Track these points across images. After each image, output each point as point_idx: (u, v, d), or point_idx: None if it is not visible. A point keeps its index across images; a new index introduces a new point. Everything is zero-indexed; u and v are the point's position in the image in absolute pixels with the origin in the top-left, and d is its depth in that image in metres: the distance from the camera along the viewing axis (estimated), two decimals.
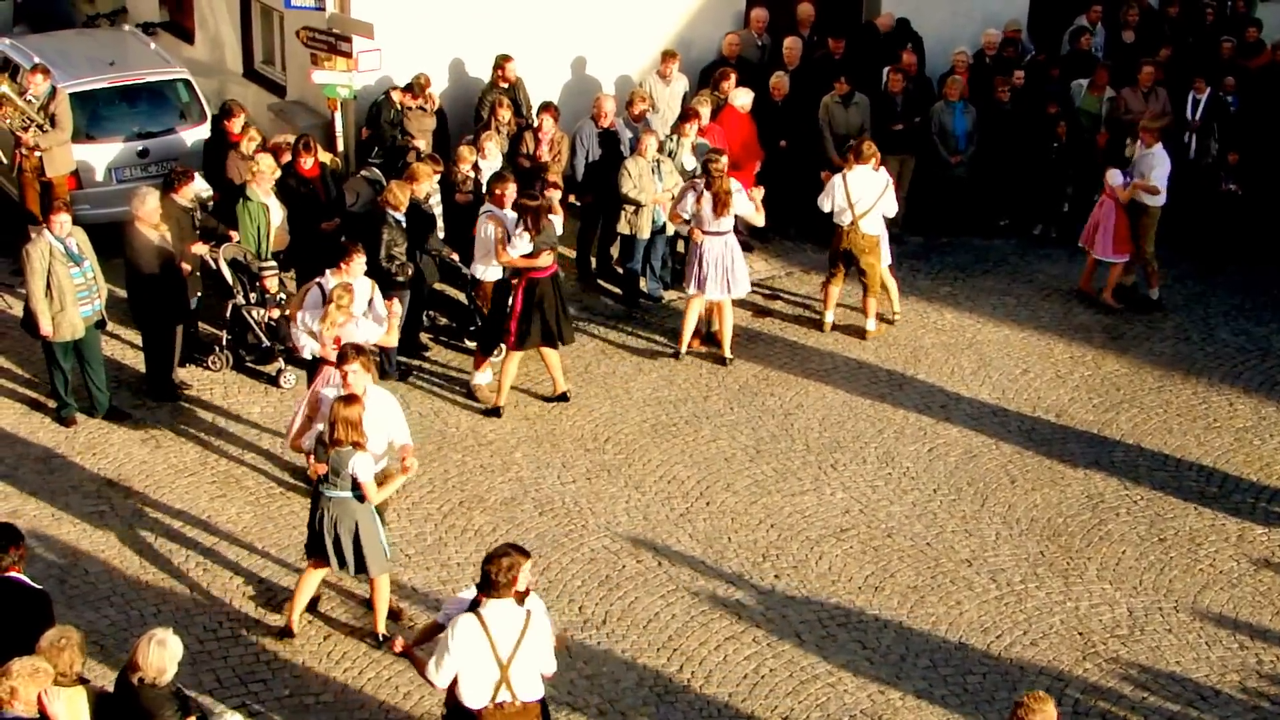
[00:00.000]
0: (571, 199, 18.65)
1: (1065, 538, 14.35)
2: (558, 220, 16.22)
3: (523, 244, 15.46)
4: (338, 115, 18.44)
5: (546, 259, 15.60)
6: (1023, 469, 15.40)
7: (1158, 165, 18.18)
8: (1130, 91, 20.55)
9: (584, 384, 16.59)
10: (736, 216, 16.68)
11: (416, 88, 18.44)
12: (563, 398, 16.13)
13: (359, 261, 14.34)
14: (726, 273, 16.70)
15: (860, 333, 17.78)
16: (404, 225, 16.04)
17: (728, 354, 17.07)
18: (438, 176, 17.07)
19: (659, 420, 16.05)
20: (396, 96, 18.39)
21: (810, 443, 15.74)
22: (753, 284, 17.86)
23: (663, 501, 14.68)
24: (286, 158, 17.06)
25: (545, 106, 18.25)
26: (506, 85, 18.89)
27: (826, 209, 17.55)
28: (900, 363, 17.34)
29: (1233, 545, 14.30)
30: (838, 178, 17.46)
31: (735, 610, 13.16)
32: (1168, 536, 14.41)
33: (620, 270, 18.68)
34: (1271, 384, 17.15)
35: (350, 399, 12.11)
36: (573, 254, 18.74)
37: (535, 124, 18.28)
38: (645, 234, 17.97)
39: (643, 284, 18.42)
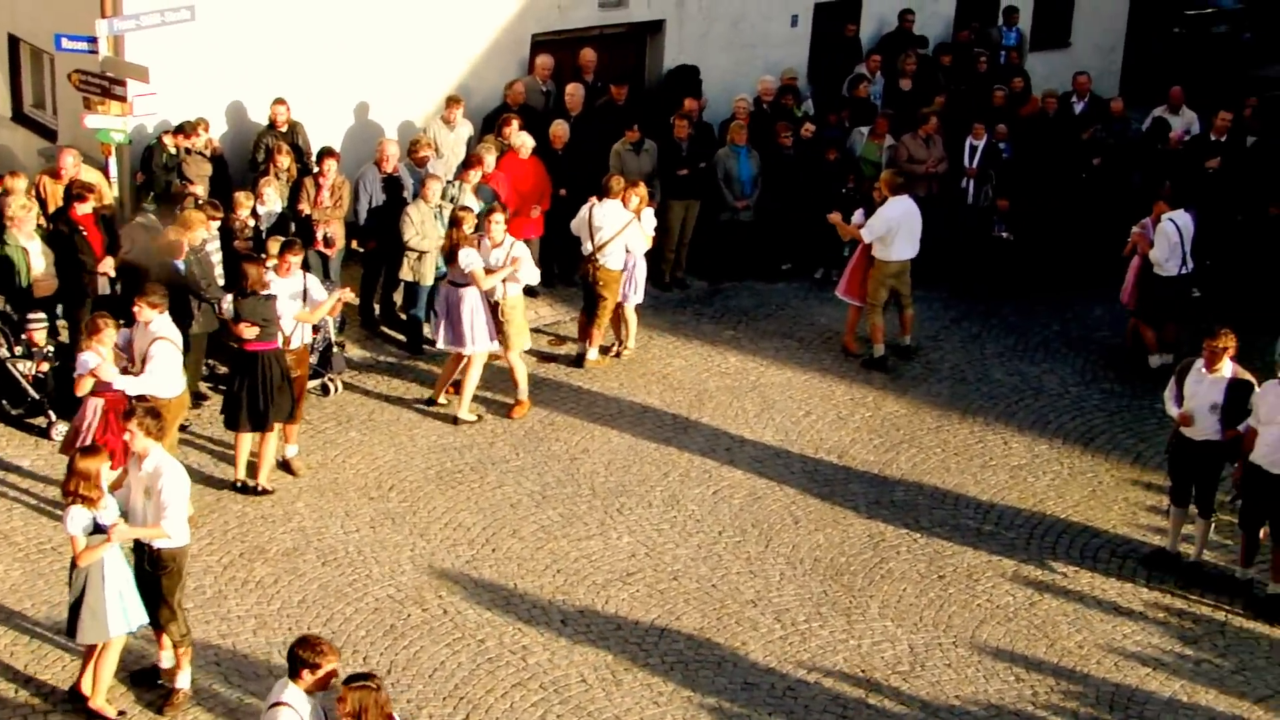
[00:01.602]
0: (354, 245, 18.47)
1: (848, 576, 14.52)
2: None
3: (227, 306, 15.07)
4: (112, 160, 18.05)
5: (249, 332, 14.78)
6: (806, 510, 15.57)
7: (879, 214, 18.33)
8: (910, 138, 20.99)
9: (367, 431, 16.42)
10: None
11: (188, 128, 18.09)
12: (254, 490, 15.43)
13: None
14: (466, 326, 16.60)
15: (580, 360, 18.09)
16: (181, 272, 15.73)
17: (459, 413, 16.85)
18: (216, 223, 16.77)
19: (444, 467, 15.93)
20: (169, 140, 18.05)
21: (596, 487, 15.75)
22: (538, 329, 17.88)
23: (448, 549, 14.56)
24: (91, 201, 16.48)
25: (326, 152, 18.07)
26: (284, 129, 18.67)
27: (574, 232, 17.84)
28: (685, 406, 17.45)
29: (1009, 580, 14.60)
30: (586, 207, 17.68)
31: (522, 657, 13.08)
32: (946, 573, 14.66)
33: (404, 317, 18.55)
34: (1044, 423, 17.58)
35: (91, 450, 11.58)
36: (356, 300, 18.57)
37: (316, 170, 18.08)
38: (428, 280, 17.88)
39: (426, 330, 18.31)
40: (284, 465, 15.61)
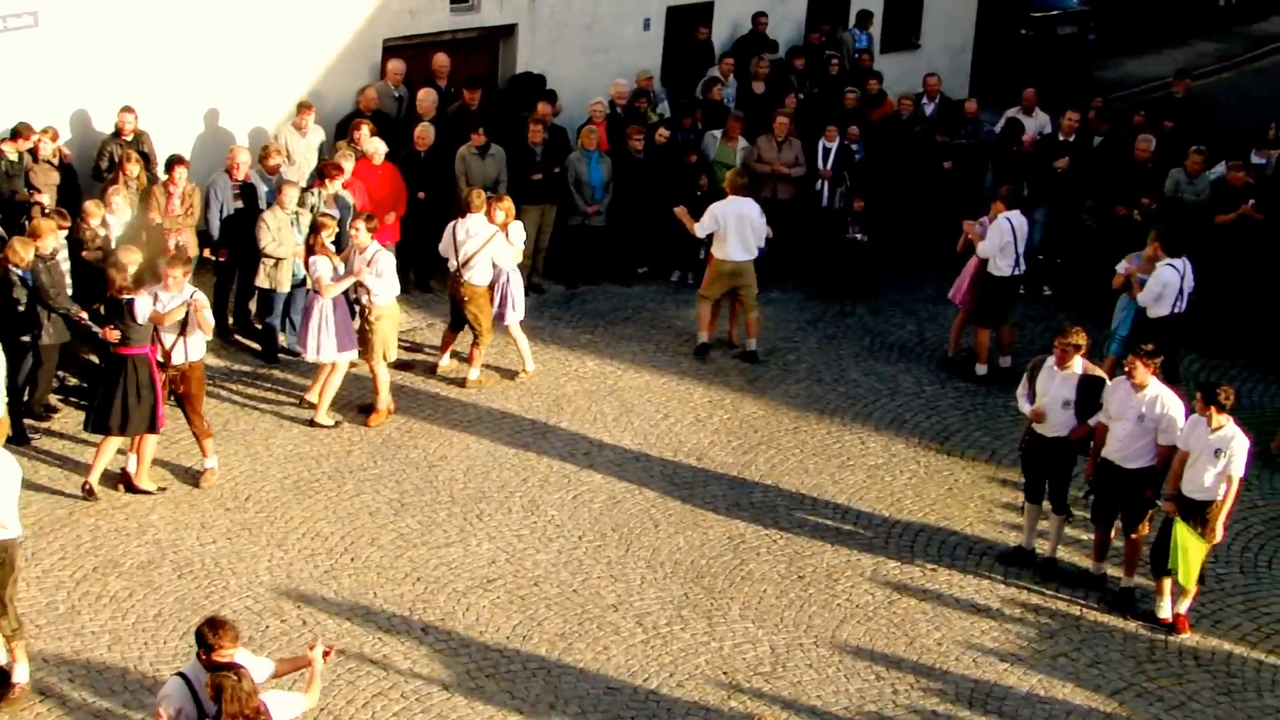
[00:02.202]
0: (206, 253, 18.21)
1: (708, 579, 14.56)
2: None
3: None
4: None
5: (111, 335, 14.84)
6: (666, 513, 15.59)
7: (710, 209, 18.46)
8: (765, 140, 21.12)
9: (223, 441, 16.18)
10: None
11: (23, 130, 17.61)
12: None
13: None
14: (312, 333, 16.50)
15: (461, 381, 17.93)
16: (29, 283, 15.42)
17: (316, 416, 16.78)
18: (64, 232, 16.43)
19: (301, 477, 15.76)
20: (8, 148, 17.63)
21: (455, 494, 15.65)
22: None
23: (306, 559, 14.39)
24: None
25: (176, 159, 17.78)
26: (130, 137, 18.34)
27: (441, 254, 17.77)
28: (543, 411, 17.41)
29: (868, 579, 14.71)
30: (449, 226, 17.57)
31: (383, 666, 12.96)
32: (806, 574, 14.75)
33: (259, 325, 18.33)
34: (900, 422, 17.75)
35: None
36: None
37: (166, 178, 17.79)
38: (285, 288, 17.69)
39: (282, 339, 18.11)
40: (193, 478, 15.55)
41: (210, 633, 9.91)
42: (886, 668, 13.45)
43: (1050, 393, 14.48)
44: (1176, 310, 17.40)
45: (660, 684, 13.04)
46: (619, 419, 17.38)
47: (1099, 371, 14.82)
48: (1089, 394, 14.38)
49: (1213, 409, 13.59)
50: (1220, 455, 13.60)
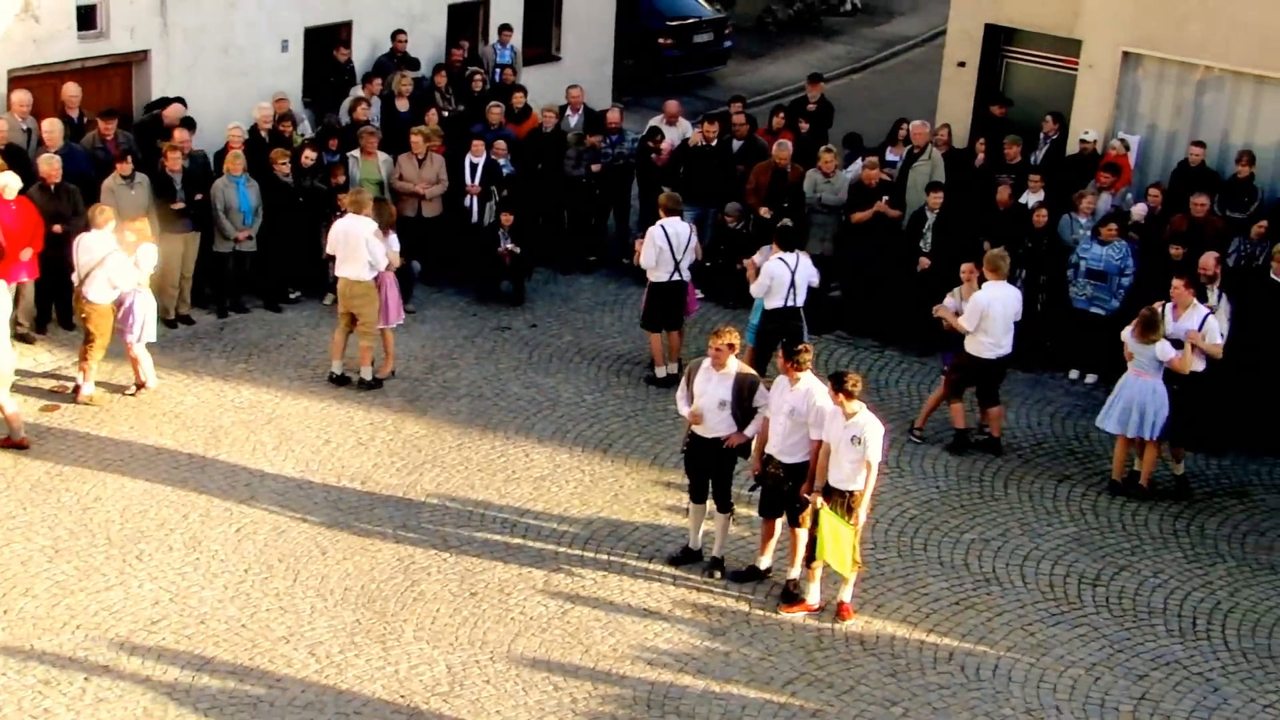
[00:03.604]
0: None
1: (380, 603, 14.39)
2: None
3: None
4: None
5: None
6: (333, 540, 15.36)
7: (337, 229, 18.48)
8: (406, 159, 21.02)
9: None
10: None
11: None
12: None
13: None
14: None
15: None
16: None
17: None
18: None
19: None
20: None
21: (112, 535, 15.14)
22: (45, 374, 17.19)
23: None
24: None
25: None
26: None
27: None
28: (200, 445, 16.97)
29: (540, 591, 14.73)
30: (75, 240, 17.27)
31: None
32: (479, 590, 14.69)
33: None
34: (564, 433, 17.83)
35: None
36: None
37: None
38: None
39: None
40: None
41: None
42: (564, 678, 13.48)
43: (707, 393, 14.71)
44: (789, 303, 17.99)
45: (337, 713, 12.83)
46: (279, 447, 17.06)
47: (752, 371, 15.13)
48: (744, 393, 14.66)
49: (841, 396, 13.99)
50: (856, 442, 14.01)
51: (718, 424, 14.78)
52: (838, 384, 14.01)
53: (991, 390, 17.76)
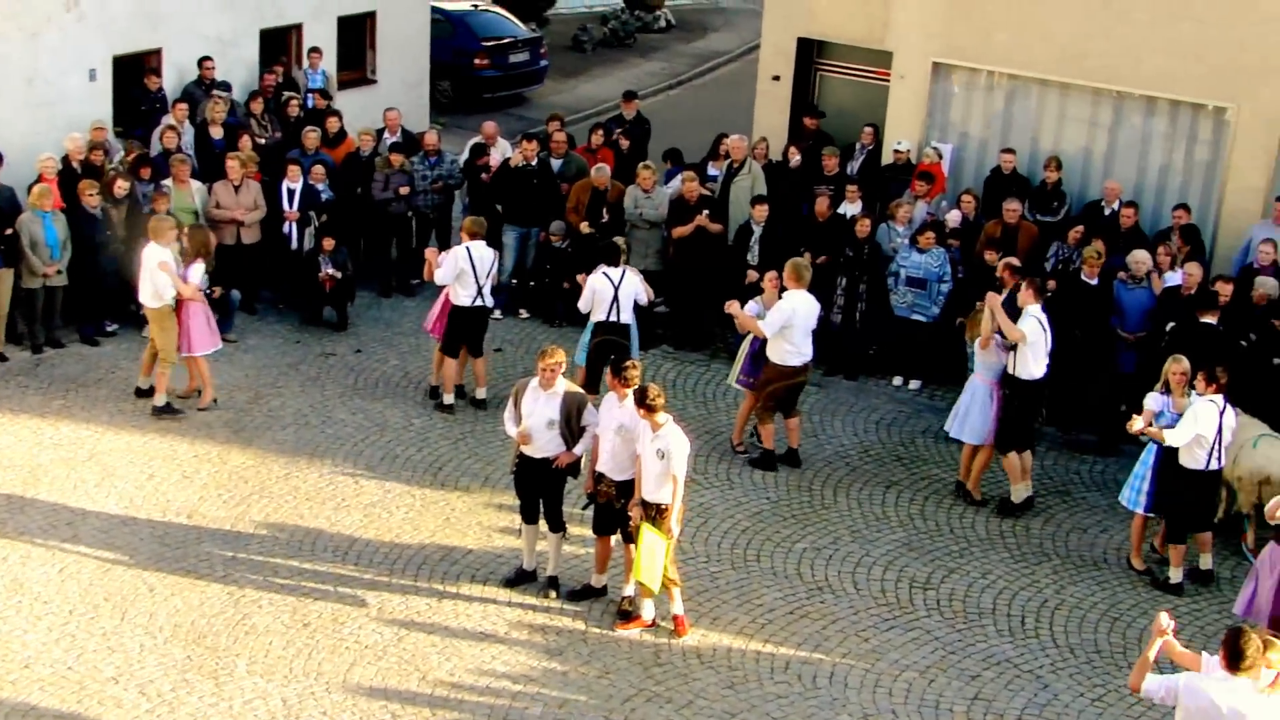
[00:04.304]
0: None
1: (211, 638, 14.14)
2: None
3: None
4: None
5: None
6: (160, 576, 15.06)
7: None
8: (221, 186, 20.73)
9: None
10: None
11: None
12: None
13: None
14: None
15: None
16: None
17: None
18: None
19: None
20: None
21: None
22: None
23: None
24: None
25: None
26: None
27: None
28: (18, 485, 16.56)
29: (374, 619, 14.58)
30: None
31: None
32: (312, 620, 14.50)
33: None
34: (393, 457, 17.69)
35: None
36: None
37: None
38: None
39: None
40: None
41: None
42: (402, 705, 13.35)
43: (535, 413, 14.67)
44: (613, 318, 18.02)
45: None
46: (101, 484, 16.70)
47: (578, 389, 15.13)
48: (573, 412, 14.65)
49: (644, 410, 14.04)
50: (661, 455, 14.07)
51: (547, 444, 14.74)
52: (640, 398, 14.06)
53: (791, 400, 17.93)
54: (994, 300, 16.92)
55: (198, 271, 18.30)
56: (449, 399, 18.91)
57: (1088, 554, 16.46)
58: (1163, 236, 19.71)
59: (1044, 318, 16.78)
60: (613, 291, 17.97)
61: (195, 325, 18.27)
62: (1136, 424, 15.27)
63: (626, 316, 18.14)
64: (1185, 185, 21.05)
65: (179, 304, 18.08)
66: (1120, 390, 18.48)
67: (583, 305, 18.26)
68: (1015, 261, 18.32)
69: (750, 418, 18.15)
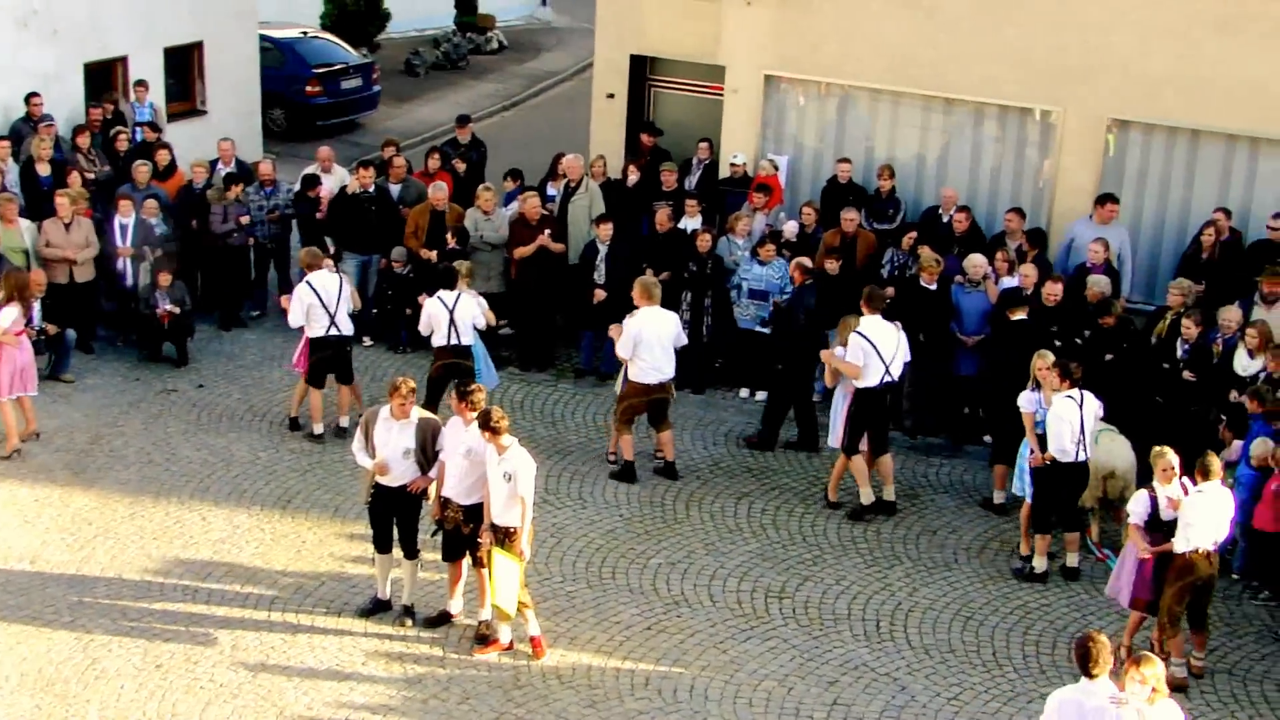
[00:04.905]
0: None
1: (59, 685, 13.83)
2: None
3: None
4: None
5: None
6: (3, 625, 14.66)
7: None
8: (51, 224, 20.31)
9: None
10: None
11: None
12: None
13: None
14: None
15: None
16: None
17: None
18: None
19: None
20: None
21: None
22: None
23: None
24: None
25: None
26: None
27: None
28: None
29: (228, 658, 14.34)
30: None
31: None
32: (164, 661, 14.24)
33: None
34: (240, 492, 17.44)
35: None
36: None
37: None
38: None
39: None
40: None
41: None
42: None
43: (390, 443, 14.55)
44: (453, 341, 17.99)
45: None
46: None
47: (433, 415, 15.04)
48: (428, 439, 14.57)
49: (488, 434, 14.00)
50: (508, 478, 14.04)
51: (404, 472, 14.64)
52: (484, 422, 14.02)
53: (659, 415, 17.98)
54: (826, 355, 17.30)
55: (9, 315, 17.83)
56: (319, 429, 18.70)
57: (939, 555, 16.67)
58: (1000, 240, 20.02)
59: (877, 331, 16.93)
60: (448, 315, 17.90)
61: (4, 372, 17.79)
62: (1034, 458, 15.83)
63: (467, 339, 18.07)
64: (1017, 188, 21.42)
65: None
66: (962, 393, 18.76)
67: (422, 329, 18.23)
68: (806, 262, 18.81)
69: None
